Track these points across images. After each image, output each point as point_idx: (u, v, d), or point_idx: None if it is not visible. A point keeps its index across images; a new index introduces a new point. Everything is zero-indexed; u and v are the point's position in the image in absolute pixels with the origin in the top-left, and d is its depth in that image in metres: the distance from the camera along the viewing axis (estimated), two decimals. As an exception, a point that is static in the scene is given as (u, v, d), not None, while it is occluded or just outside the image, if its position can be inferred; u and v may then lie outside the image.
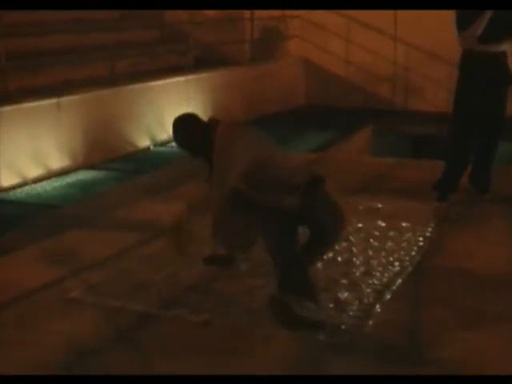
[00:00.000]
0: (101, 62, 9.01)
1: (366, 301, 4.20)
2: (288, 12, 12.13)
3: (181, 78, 9.71)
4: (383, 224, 5.54)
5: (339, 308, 4.11)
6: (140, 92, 8.92)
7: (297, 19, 12.30)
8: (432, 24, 10.52)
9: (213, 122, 4.24)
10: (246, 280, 4.48)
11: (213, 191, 4.13)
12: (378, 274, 4.60)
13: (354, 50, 12.12)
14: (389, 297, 4.28)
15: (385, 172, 7.31)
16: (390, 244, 5.13)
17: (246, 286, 4.41)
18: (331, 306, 4.13)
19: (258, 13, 11.62)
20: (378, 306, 4.14)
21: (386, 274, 4.59)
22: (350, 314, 4.05)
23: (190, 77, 9.87)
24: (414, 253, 4.99)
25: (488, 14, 5.54)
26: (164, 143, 9.25)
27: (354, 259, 4.82)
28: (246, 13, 11.68)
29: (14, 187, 7.07)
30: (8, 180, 7.07)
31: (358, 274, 4.59)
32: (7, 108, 7.12)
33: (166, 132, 9.36)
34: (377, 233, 5.36)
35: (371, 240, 5.20)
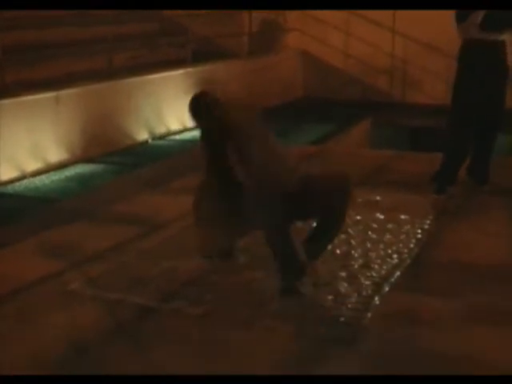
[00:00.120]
0: (99, 55, 8.99)
1: (364, 293, 4.21)
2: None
3: (179, 71, 9.70)
4: (382, 216, 5.55)
5: (338, 300, 4.12)
6: (138, 85, 8.91)
7: (295, 12, 12.28)
8: (430, 16, 10.50)
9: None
10: (245, 273, 4.48)
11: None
12: (376, 266, 4.60)
13: (352, 42, 12.11)
14: (387, 289, 4.29)
15: (383, 164, 7.32)
16: (388, 236, 5.14)
17: (244, 278, 4.41)
18: (330, 298, 4.14)
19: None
20: (376, 299, 4.15)
21: (385, 267, 4.60)
22: (349, 306, 4.06)
23: (189, 70, 9.85)
24: (412, 245, 5.00)
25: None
26: (162, 136, 9.24)
27: (353, 252, 4.82)
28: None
29: (12, 181, 7.07)
30: (6, 173, 7.06)
31: (356, 266, 4.59)
32: (5, 101, 7.10)
33: (165, 125, 9.36)
34: (375, 225, 5.36)
35: (370, 232, 5.21)
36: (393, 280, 4.41)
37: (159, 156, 8.12)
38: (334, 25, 12.09)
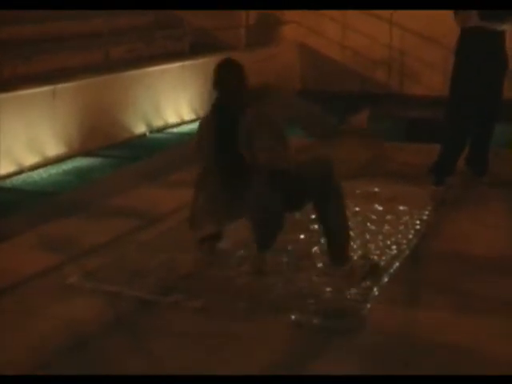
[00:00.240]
0: (96, 49, 8.97)
1: (363, 284, 4.21)
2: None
3: (177, 64, 9.68)
4: (380, 208, 5.54)
5: (337, 292, 4.11)
6: (136, 78, 8.88)
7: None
8: (428, 8, 10.48)
9: None
10: (243, 266, 4.48)
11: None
12: (375, 257, 4.60)
13: (349, 34, 12.08)
14: (386, 280, 4.29)
15: (381, 156, 7.30)
16: (387, 228, 5.14)
17: (243, 271, 4.41)
18: (329, 289, 4.13)
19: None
20: (375, 290, 4.15)
21: (384, 258, 4.60)
22: (348, 297, 4.06)
23: (186, 63, 9.83)
24: (411, 236, 4.99)
25: None
26: (160, 129, 9.23)
27: (352, 243, 4.82)
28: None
29: (10, 175, 7.05)
30: (4, 167, 7.04)
31: (355, 257, 4.59)
32: (2, 95, 7.08)
33: (162, 118, 9.35)
34: (374, 216, 5.36)
35: (368, 224, 5.21)
36: (392, 271, 4.41)
37: (157, 149, 8.10)
38: (331, 17, 12.05)
